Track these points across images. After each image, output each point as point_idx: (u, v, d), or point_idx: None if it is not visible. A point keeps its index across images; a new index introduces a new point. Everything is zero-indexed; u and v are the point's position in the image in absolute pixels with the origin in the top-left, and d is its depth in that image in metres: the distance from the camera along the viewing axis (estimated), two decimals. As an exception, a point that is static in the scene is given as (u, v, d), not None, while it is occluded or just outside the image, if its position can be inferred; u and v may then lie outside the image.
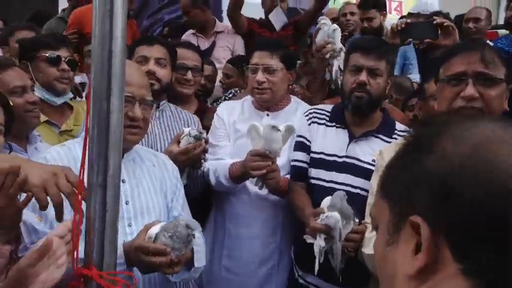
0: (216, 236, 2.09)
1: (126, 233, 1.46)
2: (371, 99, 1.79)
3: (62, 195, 1.01)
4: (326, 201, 1.57)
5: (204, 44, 3.68)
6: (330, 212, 1.51)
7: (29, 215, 1.41)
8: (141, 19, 4.51)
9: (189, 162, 1.89)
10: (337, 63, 2.19)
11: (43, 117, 1.92)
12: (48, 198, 1.02)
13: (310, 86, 2.29)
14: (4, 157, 1.23)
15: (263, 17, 3.61)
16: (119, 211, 1.04)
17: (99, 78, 0.99)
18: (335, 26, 2.17)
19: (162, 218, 1.52)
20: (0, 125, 1.40)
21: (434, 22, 2.22)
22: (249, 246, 2.01)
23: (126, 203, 1.50)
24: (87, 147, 1.00)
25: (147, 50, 2.04)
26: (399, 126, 1.87)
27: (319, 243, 1.52)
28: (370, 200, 1.60)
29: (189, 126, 1.98)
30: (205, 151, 1.92)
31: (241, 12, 3.37)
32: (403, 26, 2.29)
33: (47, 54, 2.02)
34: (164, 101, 2.11)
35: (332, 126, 1.89)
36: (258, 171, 1.80)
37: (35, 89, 1.89)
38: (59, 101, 2.05)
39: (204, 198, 2.11)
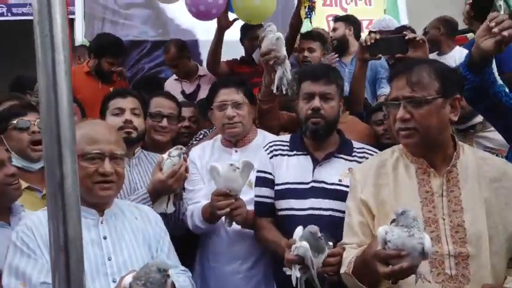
0: (203, 276, 2.11)
1: (111, 289, 1.47)
2: (327, 123, 1.86)
3: None
4: (298, 232, 1.60)
5: (189, 88, 3.79)
6: (299, 242, 1.54)
7: (12, 282, 1.43)
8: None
9: (179, 184, 1.95)
10: (282, 70, 2.22)
11: (24, 184, 1.94)
12: None
13: (260, 92, 2.33)
14: None
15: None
16: (83, 273, 1.05)
17: (49, 145, 1.02)
18: (278, 34, 2.20)
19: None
20: None
21: (406, 37, 2.26)
22: (234, 281, 2.03)
23: (109, 259, 1.52)
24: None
25: (122, 102, 2.16)
26: (356, 144, 1.95)
27: (295, 274, 1.55)
28: (348, 220, 1.62)
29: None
30: (186, 170, 1.97)
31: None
32: (372, 41, 2.32)
33: (15, 122, 2.06)
34: (139, 149, 2.20)
35: (293, 155, 1.94)
36: (222, 211, 1.85)
37: (12, 159, 1.93)
38: (36, 166, 2.08)
39: (190, 238, 2.15)
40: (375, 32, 3.20)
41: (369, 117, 2.53)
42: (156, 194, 1.94)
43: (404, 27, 3.44)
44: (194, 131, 2.80)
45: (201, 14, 3.20)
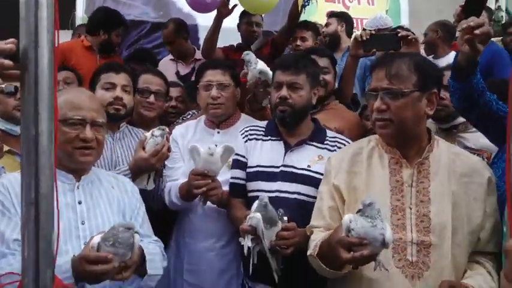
0: (178, 252, 2.15)
1: (82, 251, 1.51)
2: (294, 111, 1.91)
3: None
4: (255, 204, 1.66)
5: (184, 70, 3.82)
6: (253, 213, 1.60)
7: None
8: (120, 50, 4.61)
9: (161, 163, 2.00)
10: None
11: (5, 147, 1.97)
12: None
13: (251, 105, 2.36)
14: None
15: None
16: (53, 228, 1.08)
17: (27, 102, 1.05)
18: (259, 67, 2.19)
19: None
20: None
21: (399, 35, 2.32)
22: (207, 258, 2.08)
23: (82, 223, 1.56)
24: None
25: (114, 78, 2.16)
26: (330, 133, 2.01)
27: (246, 244, 1.61)
28: (319, 204, 1.66)
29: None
30: (169, 150, 2.01)
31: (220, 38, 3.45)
32: (367, 37, 2.38)
33: (2, 86, 2.08)
34: (123, 123, 2.21)
35: (267, 140, 2.00)
36: (198, 190, 1.90)
37: (-4, 121, 1.96)
38: (19, 129, 2.10)
39: (168, 215, 2.19)
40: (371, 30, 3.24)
41: (362, 112, 2.63)
42: (138, 171, 1.98)
43: (399, 27, 3.47)
44: (181, 111, 2.82)
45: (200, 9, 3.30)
